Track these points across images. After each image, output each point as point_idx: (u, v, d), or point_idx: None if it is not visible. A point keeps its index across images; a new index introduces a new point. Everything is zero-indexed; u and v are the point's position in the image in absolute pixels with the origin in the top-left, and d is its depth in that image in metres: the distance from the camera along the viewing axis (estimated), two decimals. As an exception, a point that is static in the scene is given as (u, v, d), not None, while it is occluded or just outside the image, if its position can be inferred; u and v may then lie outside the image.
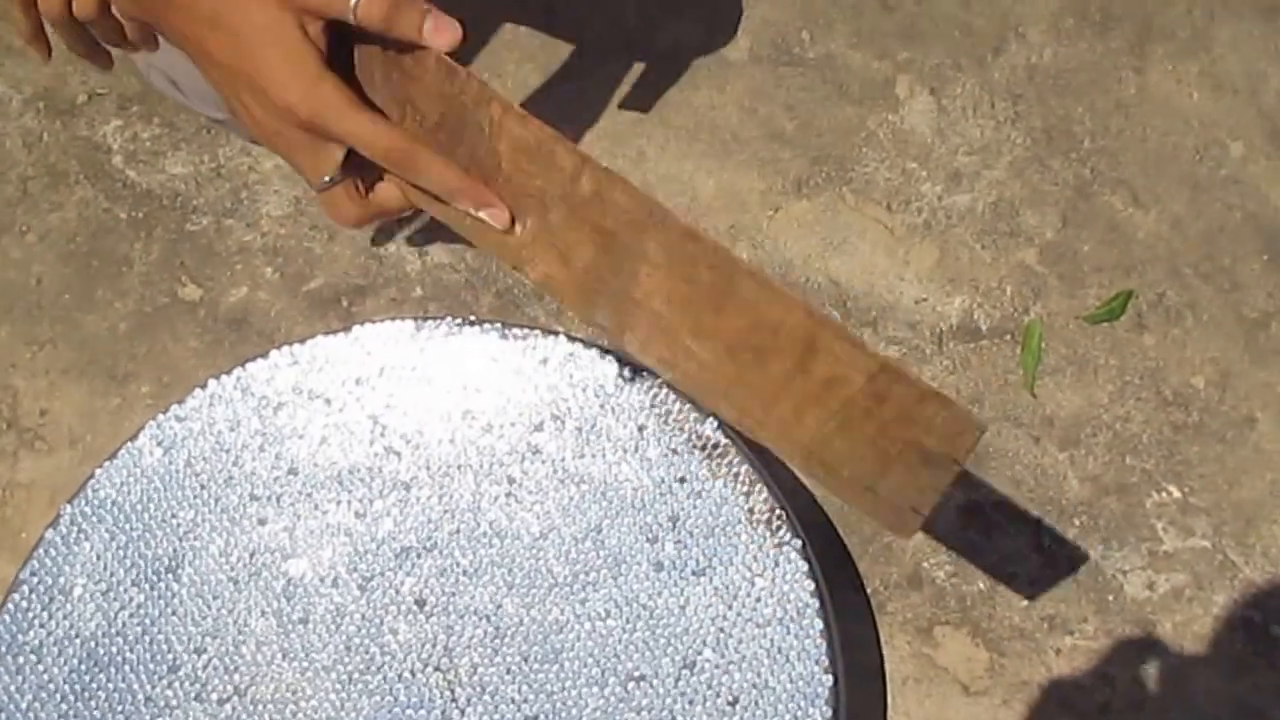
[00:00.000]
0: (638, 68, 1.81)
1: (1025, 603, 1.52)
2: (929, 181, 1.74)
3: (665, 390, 1.28)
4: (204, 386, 1.37)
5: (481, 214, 0.95)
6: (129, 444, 1.36)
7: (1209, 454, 1.60)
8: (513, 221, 0.96)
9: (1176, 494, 1.58)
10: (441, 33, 0.91)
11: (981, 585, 1.53)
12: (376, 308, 1.65)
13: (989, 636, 1.50)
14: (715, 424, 1.27)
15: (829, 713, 1.21)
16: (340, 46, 0.93)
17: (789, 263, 1.69)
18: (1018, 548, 1.55)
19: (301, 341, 1.34)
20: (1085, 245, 1.71)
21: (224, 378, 1.37)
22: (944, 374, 1.63)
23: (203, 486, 1.34)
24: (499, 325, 1.29)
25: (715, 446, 1.27)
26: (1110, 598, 1.52)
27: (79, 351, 1.65)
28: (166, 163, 1.73)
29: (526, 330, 1.31)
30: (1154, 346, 1.66)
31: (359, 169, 0.95)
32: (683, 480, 1.26)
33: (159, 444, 1.36)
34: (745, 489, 1.28)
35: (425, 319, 1.31)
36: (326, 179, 0.93)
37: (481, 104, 0.94)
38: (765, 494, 1.29)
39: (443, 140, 0.95)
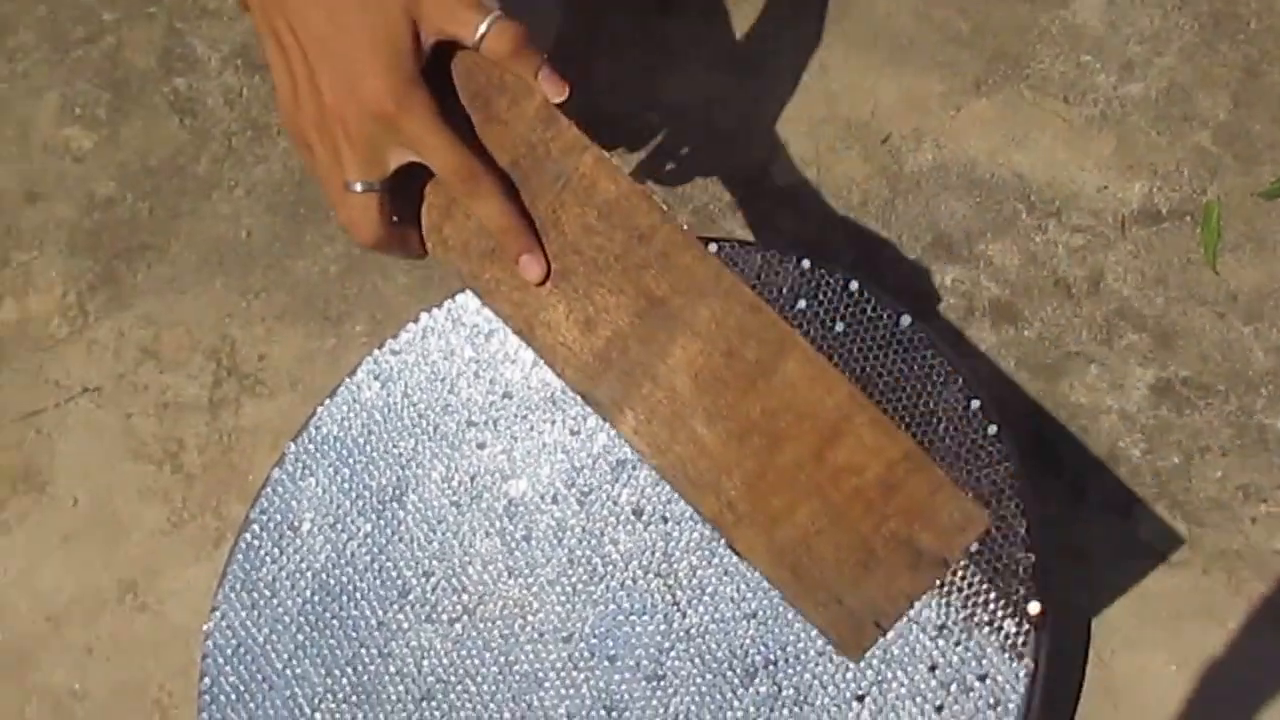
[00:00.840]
0: (810, -19, 1.82)
1: (1219, 474, 1.51)
2: (1103, 73, 1.73)
3: (863, 290, 1.30)
4: (416, 320, 1.40)
5: (522, 259, 0.93)
6: (347, 380, 1.40)
7: (1396, 314, 1.58)
8: (546, 278, 0.95)
9: (1365, 359, 1.56)
10: (554, 83, 0.92)
11: (1176, 460, 1.52)
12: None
13: (1186, 509, 1.50)
14: (910, 318, 1.29)
15: (1032, 587, 1.22)
16: (432, 68, 0.93)
17: (973, 160, 1.69)
18: (1208, 421, 1.54)
19: (516, 265, 1.37)
20: (1257, 124, 1.69)
21: (435, 310, 1.41)
22: (1128, 258, 1.62)
23: (421, 416, 1.37)
24: (699, 240, 1.31)
25: (911, 341, 1.28)
26: (1305, 463, 1.52)
27: (292, 296, 1.69)
28: (362, 106, 1.76)
29: (724, 241, 1.33)
30: (1333, 217, 1.64)
31: (399, 189, 0.95)
32: (881, 376, 1.28)
33: (376, 378, 1.40)
34: (941, 381, 1.30)
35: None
36: (367, 183, 0.92)
37: (572, 153, 0.94)
38: (961, 383, 1.30)
39: (506, 184, 0.95)
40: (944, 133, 1.71)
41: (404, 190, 0.96)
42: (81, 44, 1.84)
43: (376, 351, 1.40)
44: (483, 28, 0.90)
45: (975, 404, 1.29)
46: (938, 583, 0.98)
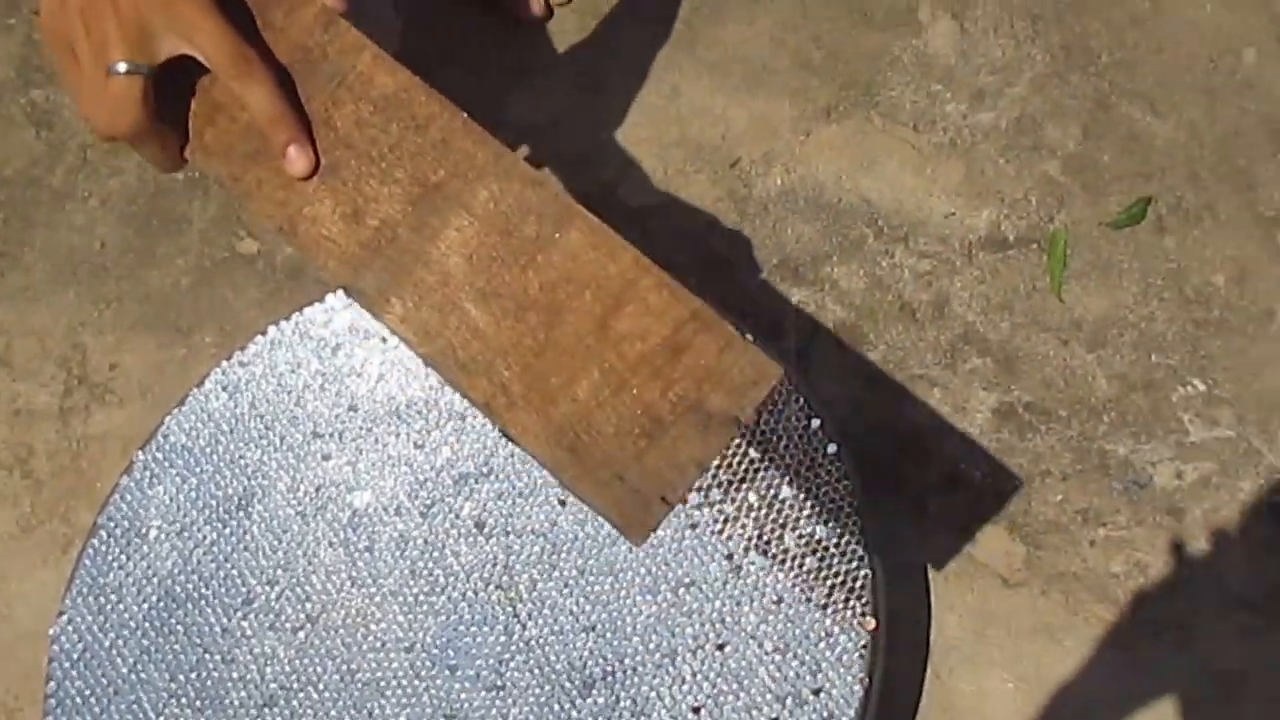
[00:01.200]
0: (670, 6, 1.82)
1: (1059, 498, 1.54)
2: (953, 101, 1.76)
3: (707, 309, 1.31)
4: (264, 333, 1.40)
5: (289, 149, 0.92)
6: (196, 390, 1.39)
7: (1231, 348, 1.61)
8: (313, 173, 0.93)
9: (1201, 387, 1.59)
10: None
11: (1017, 482, 1.55)
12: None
13: (1025, 531, 1.52)
14: (751, 338, 1.30)
15: (869, 603, 1.24)
16: None
17: (821, 184, 1.71)
18: (1050, 446, 1.57)
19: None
20: (1105, 155, 1.72)
21: (283, 323, 1.41)
22: (974, 284, 1.64)
23: (268, 427, 1.37)
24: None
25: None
26: (1140, 489, 1.54)
27: (144, 307, 1.68)
28: (218, 124, 1.76)
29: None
30: (1175, 248, 1.67)
31: (161, 91, 0.92)
32: (723, 394, 1.29)
33: (224, 389, 1.40)
34: (782, 400, 1.31)
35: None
36: (133, 65, 0.88)
37: (349, 53, 0.94)
38: (802, 403, 1.31)
39: (280, 75, 0.94)
40: (793, 157, 1.73)
41: (164, 95, 0.93)
42: (-61, 52, 1.83)
43: (225, 363, 1.40)
44: None
45: (815, 423, 1.31)
46: (727, 458, 0.94)
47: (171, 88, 0.94)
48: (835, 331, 1.62)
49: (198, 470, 1.36)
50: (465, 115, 0.93)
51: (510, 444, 1.31)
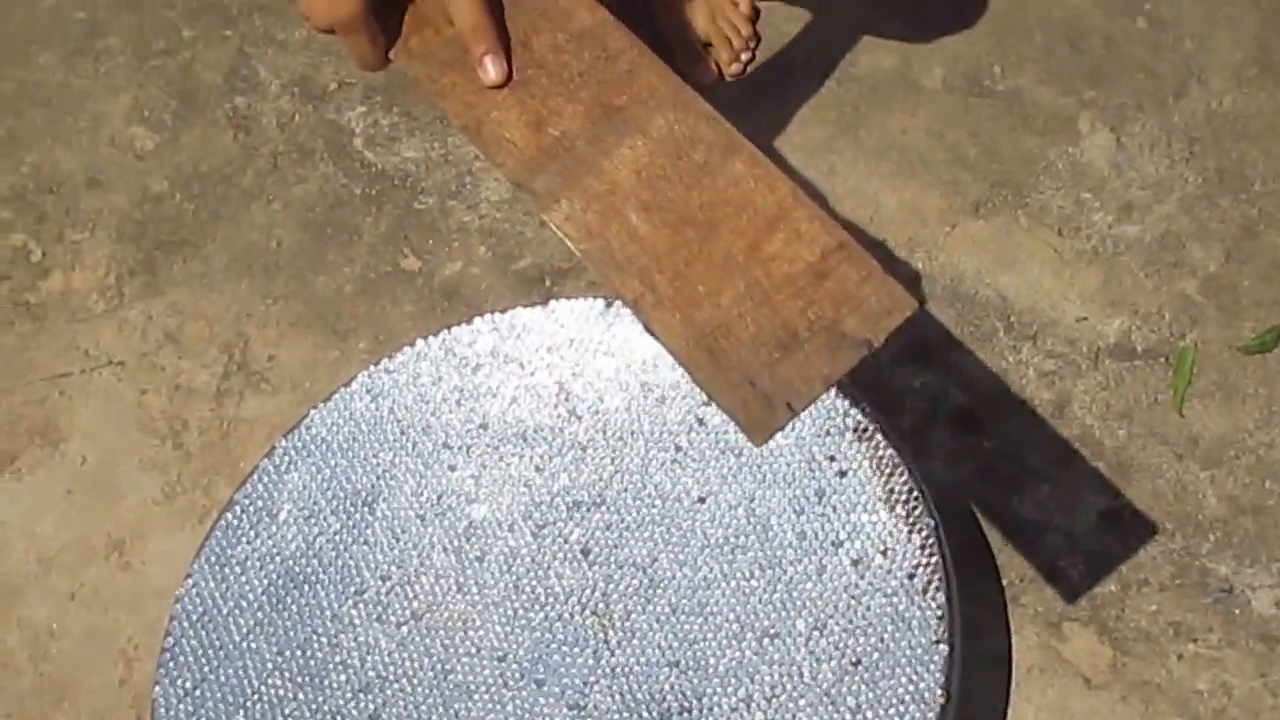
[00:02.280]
0: (837, 89, 1.86)
1: (1153, 607, 1.53)
2: (1101, 211, 1.76)
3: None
4: (413, 345, 1.45)
5: (486, 58, 0.96)
6: (342, 390, 1.44)
7: (1348, 485, 1.60)
8: (505, 82, 0.97)
9: (1313, 520, 1.58)
10: None
11: (1113, 587, 1.54)
12: (575, 289, 1.72)
13: (1115, 635, 1.51)
14: (865, 409, 1.32)
15: (942, 680, 1.24)
16: None
17: (960, 275, 1.73)
18: (1151, 556, 1.56)
19: (503, 311, 1.41)
20: (1246, 280, 1.72)
21: (431, 339, 1.45)
22: (1097, 389, 1.65)
23: (403, 432, 1.41)
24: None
25: (864, 431, 1.31)
26: (1237, 611, 1.52)
27: (308, 307, 1.74)
28: (401, 147, 1.83)
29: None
30: (1304, 380, 1.66)
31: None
32: (831, 459, 1.30)
33: (368, 392, 1.44)
34: (888, 471, 1.32)
35: (614, 300, 1.37)
36: None
37: None
38: (905, 477, 1.33)
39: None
40: (937, 246, 1.74)
41: (378, 3, 0.98)
42: (160, 54, 1.91)
43: (372, 368, 1.44)
44: None
45: (916, 496, 1.32)
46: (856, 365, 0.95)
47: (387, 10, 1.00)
48: (954, 416, 1.63)
49: (332, 463, 1.40)
50: (652, 53, 0.97)
51: (624, 480, 1.34)
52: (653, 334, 0.93)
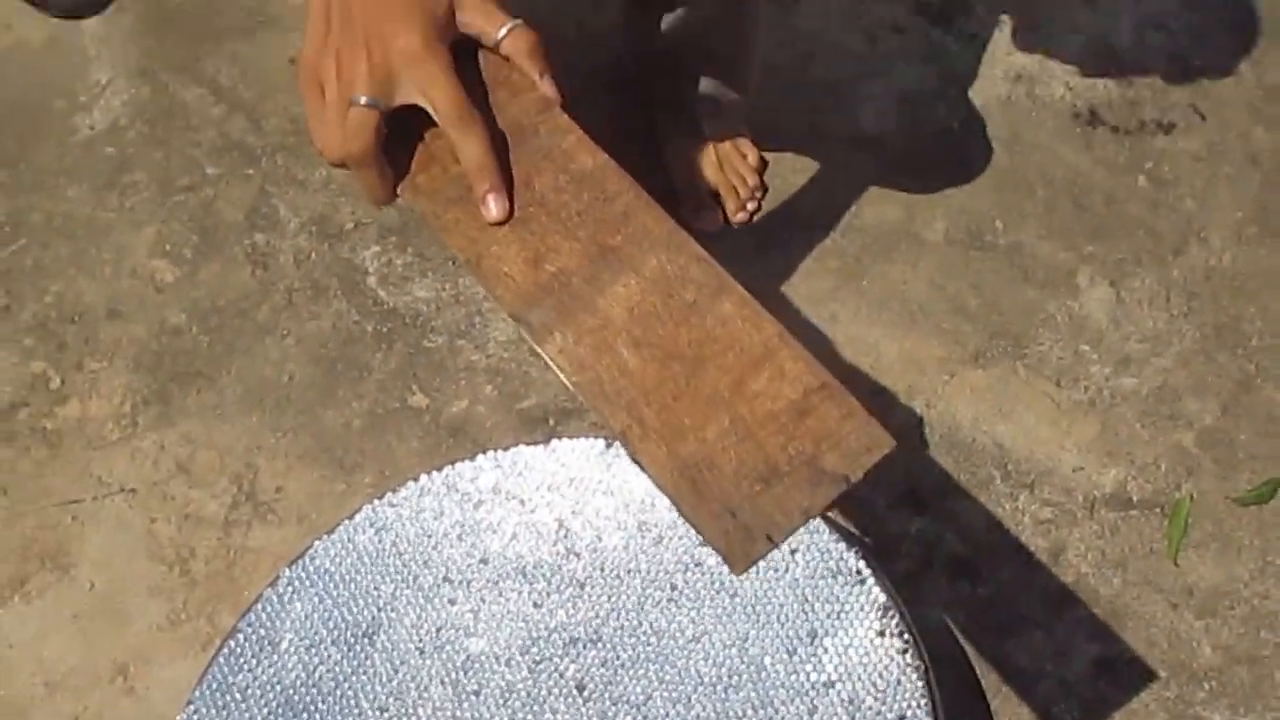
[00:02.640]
0: (841, 240, 1.88)
1: (1148, 756, 1.53)
2: (1099, 363, 1.78)
3: (818, 520, 1.34)
4: (416, 479, 1.46)
5: (489, 196, 0.99)
6: (346, 521, 1.45)
7: (1343, 639, 1.60)
8: (506, 220, 1.00)
9: (1308, 672, 1.58)
10: (554, 86, 1.01)
11: (1107, 735, 1.55)
12: (578, 429, 1.73)
13: (1108, 783, 1.52)
14: (859, 552, 1.32)
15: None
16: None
17: (958, 423, 1.74)
18: (1145, 704, 1.55)
19: (505, 449, 1.42)
20: (1242, 434, 1.73)
21: (435, 474, 1.46)
22: (1092, 537, 1.65)
23: (404, 565, 1.42)
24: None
25: (858, 574, 1.32)
26: (1230, 761, 1.52)
27: (316, 441, 1.76)
28: (414, 287, 1.86)
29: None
30: (1299, 533, 1.67)
31: (390, 135, 1.00)
32: (825, 600, 1.31)
33: (372, 525, 1.45)
34: (880, 614, 1.33)
35: (614, 440, 1.38)
36: (373, 100, 0.97)
37: (558, 133, 1.02)
38: (898, 620, 1.33)
39: (494, 134, 1.01)
40: (936, 395, 1.76)
41: (390, 139, 1.00)
42: (184, 191, 1.95)
43: (376, 501, 1.45)
44: (506, 28, 1.00)
45: (907, 640, 1.32)
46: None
47: (397, 136, 1.02)
48: (949, 562, 1.64)
49: (334, 594, 1.41)
50: (649, 197, 1.00)
51: (621, 618, 1.35)
52: (639, 465, 0.95)
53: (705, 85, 1.80)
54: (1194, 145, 1.99)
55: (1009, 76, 2.05)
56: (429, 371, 1.79)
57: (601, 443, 1.39)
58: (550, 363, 0.97)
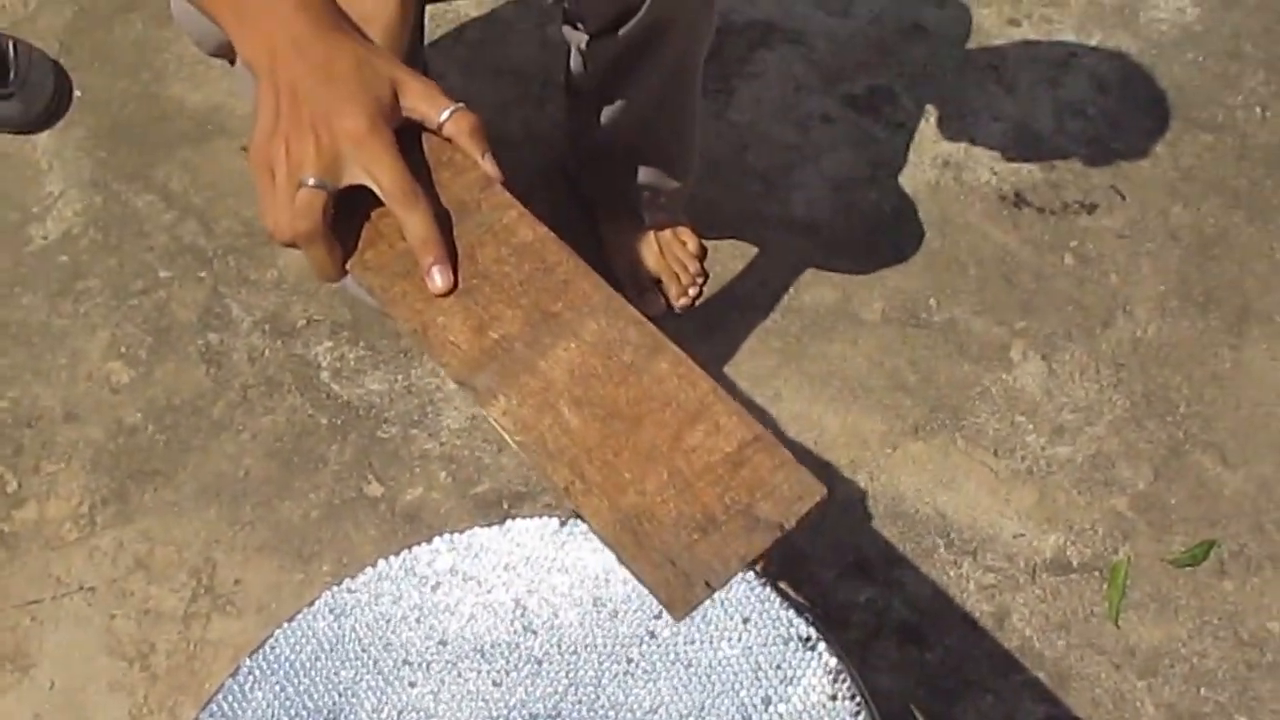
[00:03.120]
0: (782, 321, 1.92)
1: (1096, 815, 1.55)
2: (1034, 433, 1.82)
3: (769, 589, 1.35)
4: (374, 565, 1.47)
5: (434, 269, 1.02)
6: (306, 609, 1.45)
7: (1281, 693, 1.63)
8: (450, 291, 1.03)
9: (1248, 727, 1.60)
10: (495, 165, 1.04)
11: (1056, 795, 1.56)
12: (532, 510, 1.75)
13: (1059, 842, 1.53)
14: (810, 619, 1.34)
15: None
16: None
17: (901, 494, 1.77)
18: (1093, 763, 1.58)
19: (461, 531, 1.43)
20: (1174, 498, 1.76)
21: (392, 558, 1.47)
22: (1035, 601, 1.68)
23: (364, 650, 1.43)
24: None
25: (808, 640, 1.33)
26: (1177, 816, 1.54)
27: (274, 533, 1.76)
28: (366, 379, 1.87)
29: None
30: (1234, 592, 1.69)
31: (337, 216, 1.02)
32: (777, 667, 1.32)
33: (331, 611, 1.45)
34: (832, 678, 1.34)
35: (568, 519, 1.40)
36: (320, 182, 1.00)
37: (499, 209, 1.06)
38: (849, 684, 1.34)
39: (438, 211, 1.05)
40: (879, 467, 1.79)
41: (338, 218, 1.03)
42: (138, 294, 1.96)
43: (335, 588, 1.46)
44: (448, 111, 1.04)
45: (859, 700, 1.33)
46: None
47: (344, 215, 1.05)
48: (897, 630, 1.66)
49: (295, 682, 1.41)
50: (587, 265, 1.03)
51: (579, 692, 1.36)
52: (582, 518, 0.98)
53: (644, 175, 1.83)
54: (1116, 223, 2.04)
55: (936, 163, 2.10)
56: (384, 461, 1.80)
57: (555, 522, 1.41)
58: (495, 424, 1.00)
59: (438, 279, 1.02)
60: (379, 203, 1.03)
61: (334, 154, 1.01)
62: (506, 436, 0.99)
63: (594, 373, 1.00)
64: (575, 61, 1.68)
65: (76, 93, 2.22)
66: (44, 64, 2.22)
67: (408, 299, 1.05)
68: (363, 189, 1.02)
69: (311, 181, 1.00)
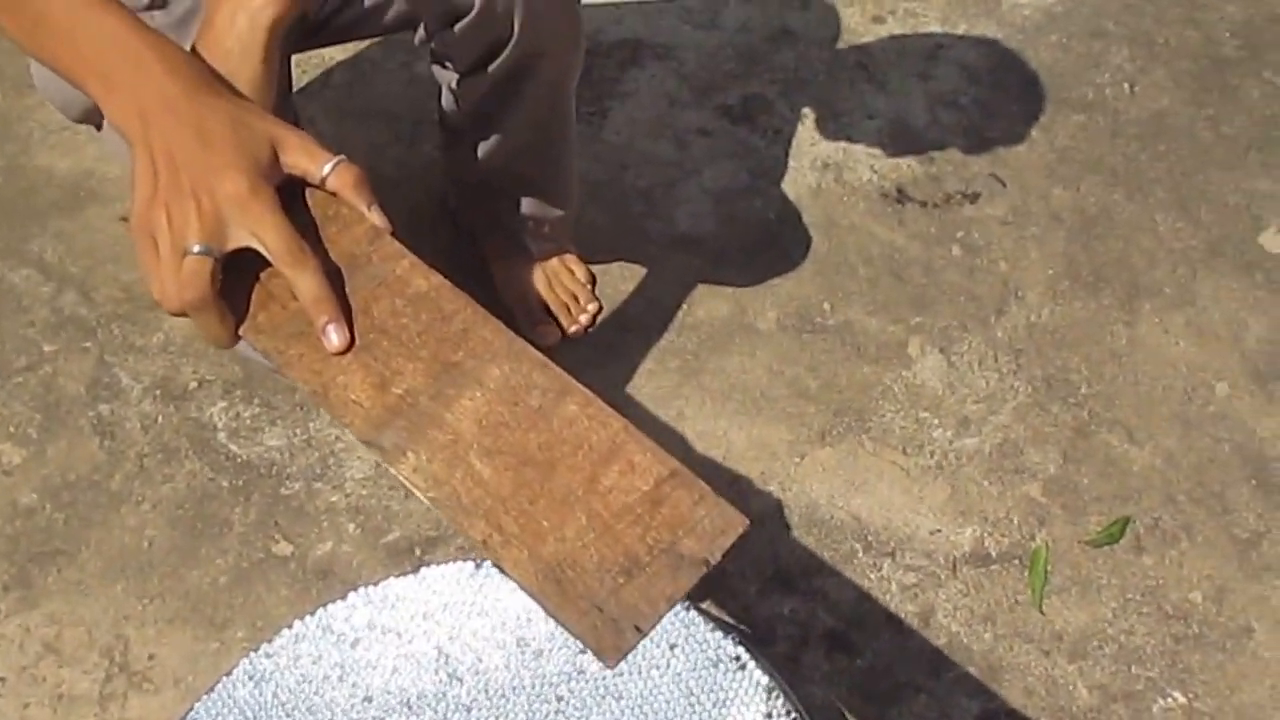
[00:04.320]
0: (677, 339, 1.87)
1: (1040, 805, 1.51)
2: (940, 428, 1.78)
3: (693, 612, 1.31)
4: (290, 626, 1.41)
5: (328, 327, 0.98)
6: (224, 679, 1.39)
7: (1210, 662, 1.59)
8: (348, 349, 0.99)
9: (1181, 699, 1.57)
10: (383, 216, 1.00)
11: (999, 789, 1.53)
12: (446, 555, 1.69)
13: (1009, 835, 1.50)
14: (736, 639, 1.30)
15: None
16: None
17: (814, 501, 1.72)
18: (1031, 754, 1.55)
19: (375, 584, 1.38)
20: (1085, 479, 1.74)
21: (308, 618, 1.41)
22: (958, 596, 1.64)
23: (288, 715, 1.37)
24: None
25: (737, 660, 1.29)
26: (1120, 797, 1.51)
27: (184, 602, 1.68)
28: (264, 436, 1.80)
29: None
30: (1153, 566, 1.67)
31: (225, 280, 0.98)
32: (710, 691, 1.28)
33: (250, 678, 1.40)
34: (765, 696, 1.30)
35: (483, 562, 1.35)
36: (205, 248, 0.96)
37: (390, 259, 1.01)
38: (783, 700, 1.31)
39: (328, 269, 1.01)
40: (789, 477, 1.74)
41: (226, 283, 0.99)
42: (22, 371, 1.88)
43: (252, 654, 1.40)
44: (330, 165, 0.99)
45: (794, 716, 1.30)
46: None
47: (233, 279, 1.00)
48: (825, 639, 1.62)
49: (219, 756, 1.36)
50: (485, 311, 0.99)
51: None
52: (502, 571, 0.94)
53: (527, 206, 1.79)
54: (999, 211, 2.02)
55: (816, 166, 2.07)
56: (290, 518, 1.74)
57: (471, 565, 1.36)
58: (405, 482, 0.96)
59: (334, 337, 0.98)
60: (267, 263, 0.99)
61: (217, 218, 0.96)
62: (418, 494, 0.95)
63: (502, 421, 0.96)
64: (447, 100, 1.64)
65: (-61, 170, 2.13)
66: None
67: (305, 360, 1.01)
68: (250, 251, 0.97)
69: (197, 248, 0.96)
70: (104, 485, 1.79)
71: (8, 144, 2.15)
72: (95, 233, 2.03)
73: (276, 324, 1.01)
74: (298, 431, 1.80)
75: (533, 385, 0.96)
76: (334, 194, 1.01)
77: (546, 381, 0.96)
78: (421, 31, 1.50)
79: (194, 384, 1.86)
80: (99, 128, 1.52)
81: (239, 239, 0.96)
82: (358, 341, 0.99)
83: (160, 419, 1.83)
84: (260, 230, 0.96)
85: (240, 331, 1.02)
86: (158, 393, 1.85)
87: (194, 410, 1.84)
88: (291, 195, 1.02)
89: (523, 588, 0.92)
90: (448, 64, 1.55)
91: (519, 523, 0.93)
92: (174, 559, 1.72)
